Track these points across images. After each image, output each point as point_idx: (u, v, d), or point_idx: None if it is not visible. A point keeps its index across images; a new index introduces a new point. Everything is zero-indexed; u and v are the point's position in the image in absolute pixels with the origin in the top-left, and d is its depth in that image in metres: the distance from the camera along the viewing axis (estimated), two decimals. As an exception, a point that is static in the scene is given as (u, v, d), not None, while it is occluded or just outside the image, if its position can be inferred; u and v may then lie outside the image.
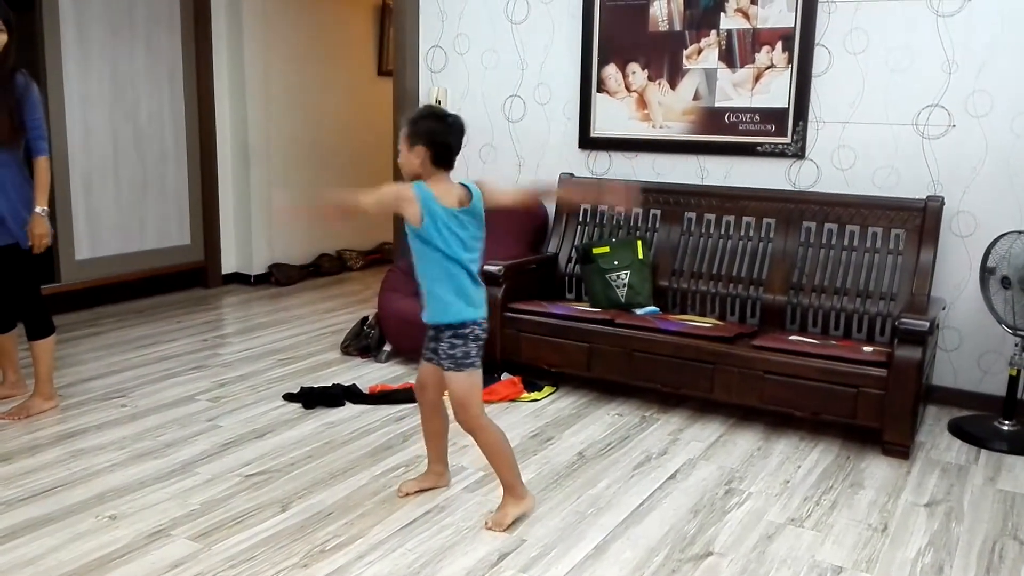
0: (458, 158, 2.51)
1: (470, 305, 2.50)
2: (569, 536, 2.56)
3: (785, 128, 3.94)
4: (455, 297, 2.48)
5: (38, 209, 3.26)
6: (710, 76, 4.08)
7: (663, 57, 4.18)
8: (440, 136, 2.44)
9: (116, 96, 5.23)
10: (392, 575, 2.32)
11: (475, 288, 2.51)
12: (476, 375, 2.56)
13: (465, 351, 2.51)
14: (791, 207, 3.87)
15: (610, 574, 2.36)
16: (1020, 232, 3.32)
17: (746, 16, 3.96)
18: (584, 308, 3.92)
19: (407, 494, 2.77)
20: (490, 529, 2.56)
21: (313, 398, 3.65)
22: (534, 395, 3.76)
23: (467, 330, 2.50)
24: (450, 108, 4.79)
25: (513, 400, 3.72)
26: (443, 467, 2.84)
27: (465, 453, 3.12)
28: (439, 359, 2.55)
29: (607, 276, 3.93)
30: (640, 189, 2.39)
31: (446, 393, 2.62)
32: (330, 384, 3.83)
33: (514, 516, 2.60)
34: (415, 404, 3.63)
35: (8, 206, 3.27)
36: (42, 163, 3.29)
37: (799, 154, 3.93)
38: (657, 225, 4.16)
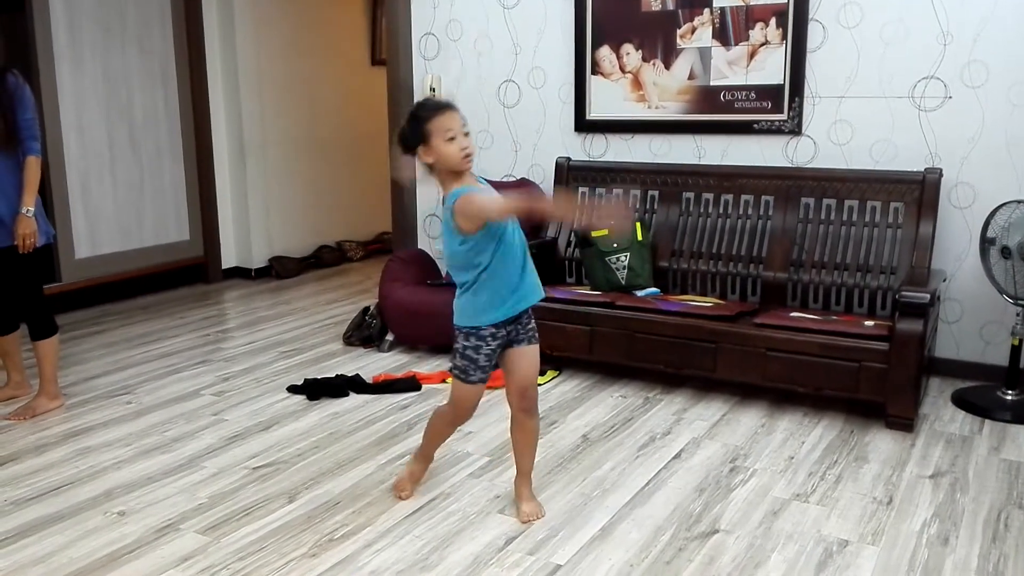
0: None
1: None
2: (575, 518, 2.57)
3: (781, 105, 3.93)
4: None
5: (23, 209, 3.26)
6: (704, 55, 4.07)
7: (657, 37, 4.16)
8: None
9: (110, 95, 5.22)
10: (400, 562, 2.34)
11: None
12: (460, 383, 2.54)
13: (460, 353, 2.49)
14: (789, 184, 3.86)
15: (617, 555, 2.37)
16: (1019, 202, 3.31)
17: (739, -7, 3.94)
18: (585, 291, 3.92)
19: (410, 495, 2.72)
20: (533, 521, 2.54)
21: (317, 389, 3.66)
22: (537, 380, 3.76)
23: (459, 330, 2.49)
24: (444, 95, 4.79)
25: (516, 385, 3.72)
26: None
27: (469, 439, 3.13)
28: (532, 336, 2.50)
29: (607, 259, 3.93)
30: (632, 210, 2.40)
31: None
32: (334, 375, 3.84)
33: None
34: (419, 392, 3.67)
35: (8, 208, 3.27)
36: (31, 163, 3.28)
37: (796, 130, 3.92)
38: (656, 206, 4.15)
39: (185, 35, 5.60)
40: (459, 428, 2.81)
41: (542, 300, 2.53)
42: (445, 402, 2.63)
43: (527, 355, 2.50)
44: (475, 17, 4.63)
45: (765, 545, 2.42)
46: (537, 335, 2.52)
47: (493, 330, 2.42)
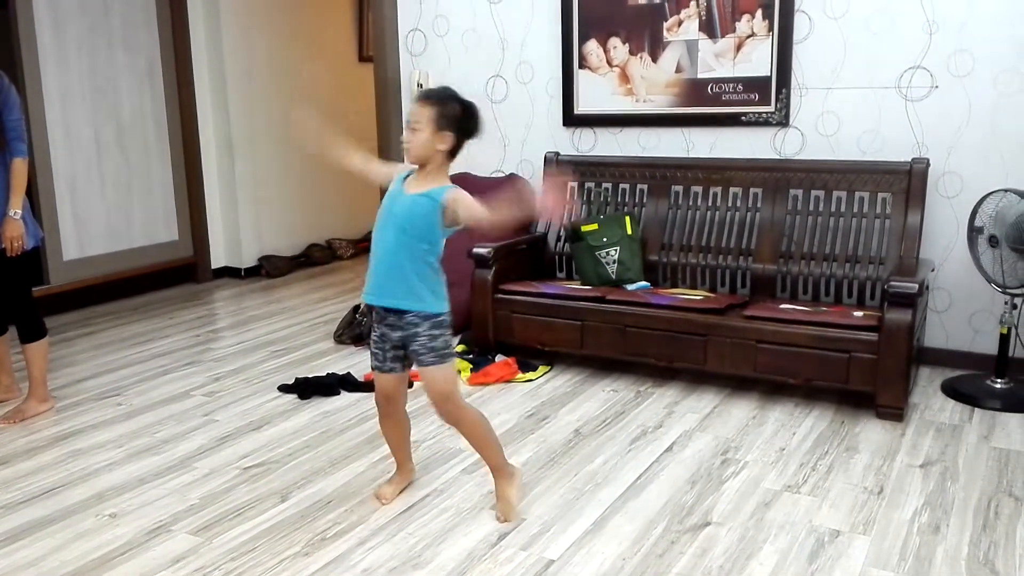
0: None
1: (447, 296, 2.48)
2: (568, 513, 2.57)
3: (768, 96, 3.93)
4: (441, 288, 2.45)
5: (11, 212, 3.24)
6: (691, 47, 4.07)
7: (644, 30, 4.16)
8: (471, 131, 2.37)
9: (96, 94, 5.19)
10: (394, 559, 2.34)
11: None
12: (453, 364, 2.50)
13: (446, 341, 2.44)
14: (777, 176, 3.87)
15: (610, 548, 2.37)
16: (1006, 190, 3.32)
17: (725, -15, 3.94)
18: (575, 286, 3.92)
19: (390, 500, 2.67)
20: (506, 521, 2.51)
21: (308, 388, 3.65)
22: (529, 375, 3.77)
23: (442, 318, 2.43)
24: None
25: (508, 381, 3.72)
26: (410, 461, 2.78)
27: (460, 436, 3.12)
28: (417, 356, 2.43)
29: (597, 253, 3.93)
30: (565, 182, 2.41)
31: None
32: (325, 373, 3.83)
33: (517, 496, 2.58)
34: (410, 390, 3.64)
35: (-7, 211, 3.26)
36: (18, 165, 3.26)
37: (783, 122, 3.93)
38: (645, 200, 4.15)
39: (171, 33, 5.56)
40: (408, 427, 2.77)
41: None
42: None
43: (422, 373, 2.47)
44: (462, 12, 4.62)
45: (757, 536, 2.42)
46: (421, 356, 2.43)
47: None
